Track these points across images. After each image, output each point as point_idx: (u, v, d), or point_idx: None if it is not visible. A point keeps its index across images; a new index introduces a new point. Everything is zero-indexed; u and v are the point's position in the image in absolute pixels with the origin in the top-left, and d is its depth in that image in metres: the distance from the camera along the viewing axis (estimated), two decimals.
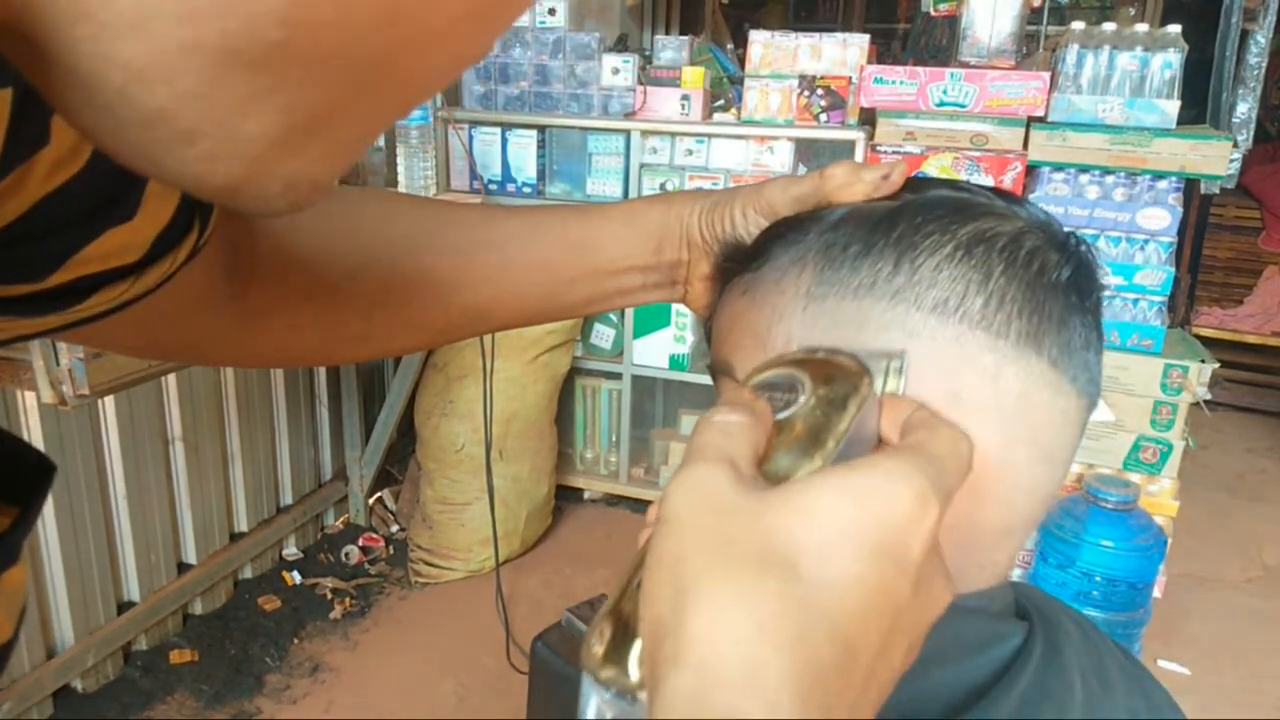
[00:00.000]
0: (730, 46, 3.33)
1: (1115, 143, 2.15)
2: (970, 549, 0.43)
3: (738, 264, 0.48)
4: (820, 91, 2.46)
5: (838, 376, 0.35)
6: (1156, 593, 2.10)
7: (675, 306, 2.73)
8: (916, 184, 0.46)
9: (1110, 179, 2.19)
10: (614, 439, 2.95)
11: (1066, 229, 0.45)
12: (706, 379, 2.69)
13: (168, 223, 0.40)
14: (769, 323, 0.44)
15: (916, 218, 0.43)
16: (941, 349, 0.40)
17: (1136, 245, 2.19)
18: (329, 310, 0.55)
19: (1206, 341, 3.37)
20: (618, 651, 0.30)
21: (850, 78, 2.46)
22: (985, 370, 0.41)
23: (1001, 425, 0.41)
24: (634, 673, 0.29)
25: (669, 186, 2.63)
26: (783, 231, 0.47)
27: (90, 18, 0.21)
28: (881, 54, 3.19)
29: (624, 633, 0.30)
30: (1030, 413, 0.41)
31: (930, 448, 0.33)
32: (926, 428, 0.34)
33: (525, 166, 2.75)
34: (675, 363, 2.79)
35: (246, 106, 0.24)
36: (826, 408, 0.34)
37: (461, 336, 0.61)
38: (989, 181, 2.03)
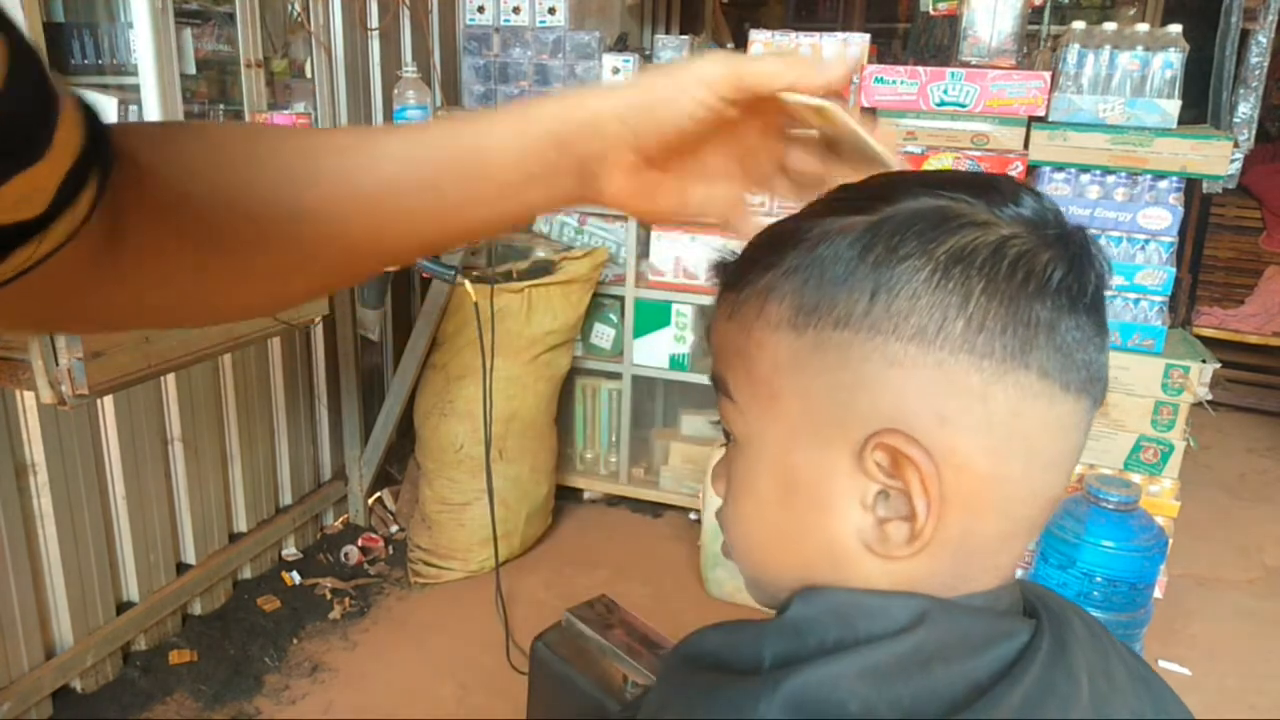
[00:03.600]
0: (730, 46, 3.32)
1: (1116, 142, 2.15)
2: (973, 556, 0.43)
3: (723, 281, 0.48)
4: None
5: None
6: (1157, 593, 2.10)
7: (675, 307, 2.73)
8: (893, 189, 0.44)
9: (1111, 179, 2.19)
10: (614, 439, 2.95)
11: (1067, 221, 0.43)
12: (706, 379, 2.68)
13: (70, 168, 0.37)
14: (755, 351, 0.44)
15: (894, 238, 0.41)
16: (925, 375, 0.40)
17: (1137, 245, 2.19)
18: (203, 259, 0.49)
19: (1207, 341, 3.37)
20: None
21: (851, 77, 2.45)
22: (972, 391, 0.40)
23: (994, 442, 0.41)
24: None
25: None
26: (759, 255, 0.45)
27: None
28: (882, 53, 3.18)
29: None
30: (1023, 426, 0.41)
31: None
32: None
33: None
34: (675, 363, 2.78)
35: None
36: None
37: (363, 274, 0.56)
38: None
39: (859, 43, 2.53)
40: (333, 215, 0.50)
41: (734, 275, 0.47)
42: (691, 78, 0.47)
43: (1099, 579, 1.94)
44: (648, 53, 2.81)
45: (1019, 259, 0.40)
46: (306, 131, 0.54)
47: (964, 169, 2.22)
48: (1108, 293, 0.44)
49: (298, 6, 2.23)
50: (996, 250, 0.40)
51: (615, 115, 0.48)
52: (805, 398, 0.43)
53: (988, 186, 0.43)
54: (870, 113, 2.41)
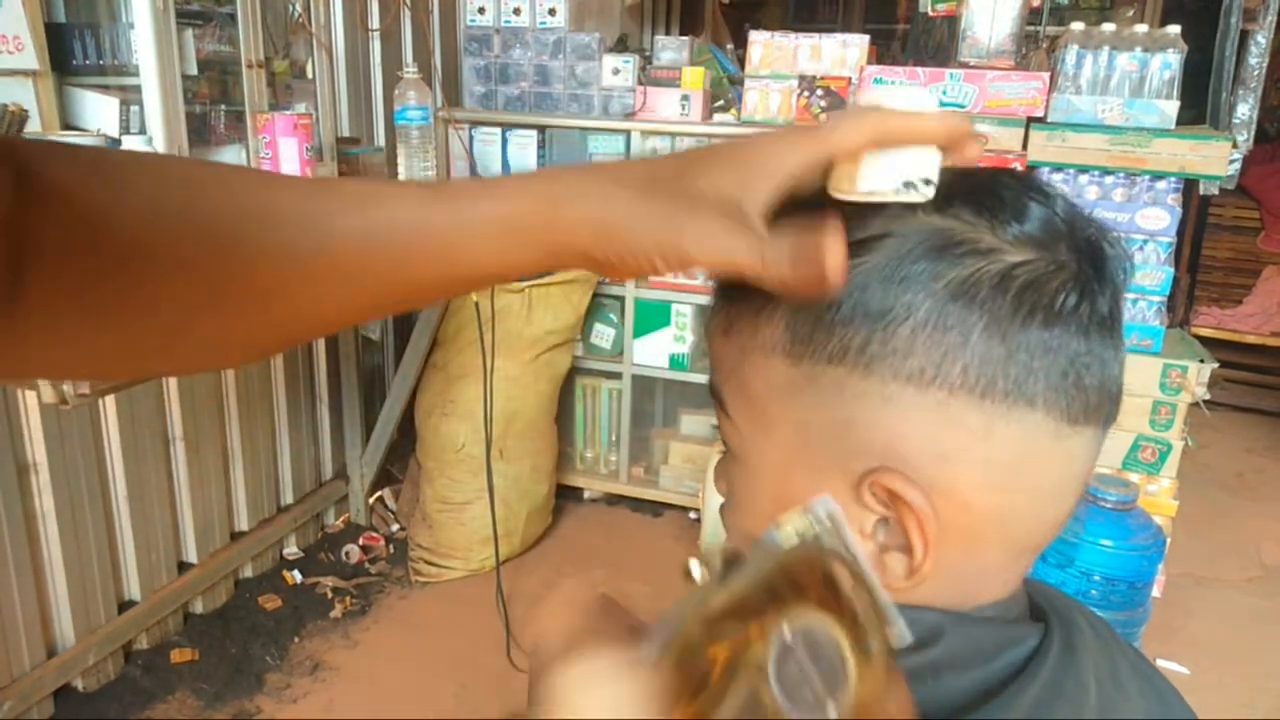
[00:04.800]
0: (730, 47, 3.33)
1: (1114, 143, 2.15)
2: (977, 580, 0.43)
3: (719, 293, 0.46)
4: (820, 92, 2.46)
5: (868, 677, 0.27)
6: (1156, 592, 2.10)
7: (675, 307, 2.73)
8: (899, 211, 0.40)
9: (1109, 179, 2.20)
10: (614, 439, 2.96)
11: (1081, 227, 0.40)
12: (707, 379, 2.69)
13: None
14: (750, 374, 0.43)
15: (890, 270, 0.39)
16: (923, 415, 0.39)
17: (1136, 245, 2.19)
18: (118, 323, 0.42)
19: (1205, 341, 3.38)
20: None
21: (850, 78, 2.46)
22: (973, 430, 0.39)
23: (995, 478, 0.40)
24: None
25: None
26: None
27: None
28: (881, 54, 3.19)
29: None
30: (1028, 463, 0.40)
31: None
32: None
33: (525, 167, 2.75)
34: (675, 362, 2.79)
35: None
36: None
37: (284, 349, 0.50)
38: None
39: (858, 43, 2.53)
40: (279, 292, 0.44)
41: (729, 286, 0.44)
42: (678, 254, 0.40)
43: (1097, 578, 1.95)
44: (648, 54, 2.81)
45: (1025, 290, 0.38)
46: (251, 184, 0.45)
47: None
48: (1125, 298, 0.43)
49: (299, 7, 2.24)
50: (1001, 282, 0.38)
51: (605, 252, 0.42)
52: (800, 427, 0.41)
53: (990, 197, 0.40)
54: None
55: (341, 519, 2.79)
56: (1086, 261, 0.40)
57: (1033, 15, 2.63)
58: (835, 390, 0.40)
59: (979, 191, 0.40)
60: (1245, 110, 3.21)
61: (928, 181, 0.39)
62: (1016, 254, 0.39)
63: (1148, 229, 2.18)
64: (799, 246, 0.38)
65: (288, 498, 2.62)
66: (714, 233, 0.39)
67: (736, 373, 0.44)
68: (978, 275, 0.38)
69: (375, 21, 2.65)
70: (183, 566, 2.26)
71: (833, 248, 0.37)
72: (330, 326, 0.48)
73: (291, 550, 2.59)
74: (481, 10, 2.73)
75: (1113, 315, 0.41)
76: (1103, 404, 0.41)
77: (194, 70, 1.88)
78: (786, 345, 0.41)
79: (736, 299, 0.44)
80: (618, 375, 2.86)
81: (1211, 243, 4.35)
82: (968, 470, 0.39)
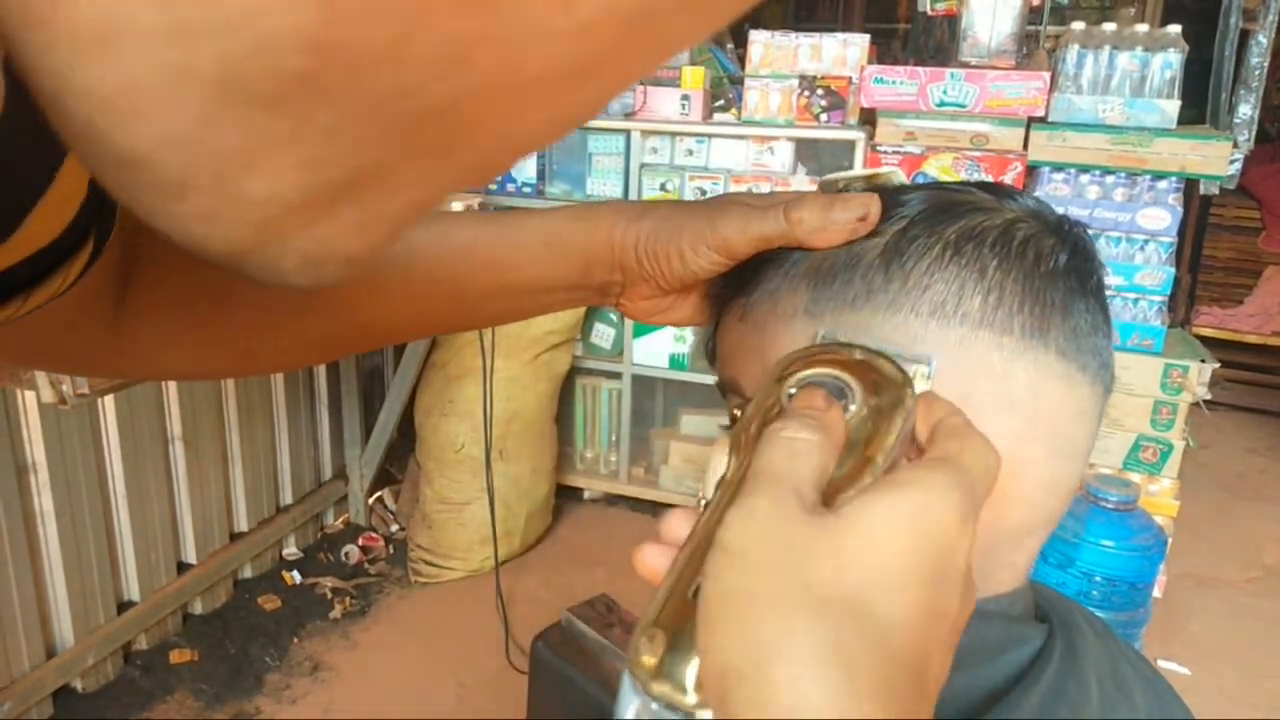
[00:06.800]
0: (730, 46, 3.32)
1: (1115, 143, 2.15)
2: (994, 551, 0.43)
3: (731, 290, 0.48)
4: (820, 91, 2.46)
5: (884, 385, 0.35)
6: (1157, 592, 2.10)
7: None
8: (896, 191, 0.45)
9: (1110, 179, 2.20)
10: (614, 438, 2.95)
11: (1060, 212, 0.45)
12: (706, 379, 2.68)
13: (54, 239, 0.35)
14: (771, 345, 0.44)
15: (902, 222, 0.43)
16: (947, 353, 0.40)
17: (1137, 245, 2.19)
18: (209, 321, 0.49)
19: (1206, 341, 3.37)
20: (673, 667, 0.29)
21: (850, 78, 2.46)
22: (994, 370, 0.40)
23: (1016, 423, 0.41)
24: (691, 693, 0.28)
25: (669, 186, 2.63)
26: (767, 256, 0.46)
27: (42, 25, 0.16)
28: (882, 54, 3.18)
29: (678, 648, 0.29)
30: (1044, 407, 0.41)
31: (964, 460, 0.32)
32: (959, 437, 0.34)
33: (525, 166, 2.75)
34: (675, 362, 2.78)
35: (253, 157, 0.18)
36: (876, 418, 0.34)
37: (360, 350, 0.58)
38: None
39: (859, 43, 2.53)
40: (350, 296, 0.49)
41: (742, 280, 0.47)
42: (715, 237, 0.46)
43: (1098, 578, 1.95)
44: None
45: (1027, 240, 0.42)
46: None
47: (963, 170, 2.22)
48: (1107, 288, 0.45)
49: None
50: (1005, 232, 0.42)
51: (639, 255, 0.48)
52: None
53: (988, 186, 0.45)
54: (869, 113, 2.42)
55: (341, 519, 2.79)
56: (1075, 235, 0.44)
57: (1033, 15, 2.63)
58: (861, 334, 0.41)
59: (977, 185, 0.46)
60: (1246, 110, 3.21)
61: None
62: (1014, 214, 0.43)
63: (1149, 229, 2.18)
64: (826, 198, 0.43)
65: (287, 498, 2.61)
66: (742, 215, 0.45)
67: (756, 352, 0.45)
68: (983, 225, 0.42)
69: None
70: (182, 567, 2.26)
71: (860, 195, 0.43)
72: (394, 335, 0.55)
73: (291, 551, 2.59)
74: None
75: (1100, 289, 0.43)
76: (1103, 369, 0.43)
77: None
78: (808, 304, 0.43)
79: (751, 287, 0.46)
80: (618, 375, 2.85)
81: (1212, 243, 4.35)
82: (990, 414, 0.40)
